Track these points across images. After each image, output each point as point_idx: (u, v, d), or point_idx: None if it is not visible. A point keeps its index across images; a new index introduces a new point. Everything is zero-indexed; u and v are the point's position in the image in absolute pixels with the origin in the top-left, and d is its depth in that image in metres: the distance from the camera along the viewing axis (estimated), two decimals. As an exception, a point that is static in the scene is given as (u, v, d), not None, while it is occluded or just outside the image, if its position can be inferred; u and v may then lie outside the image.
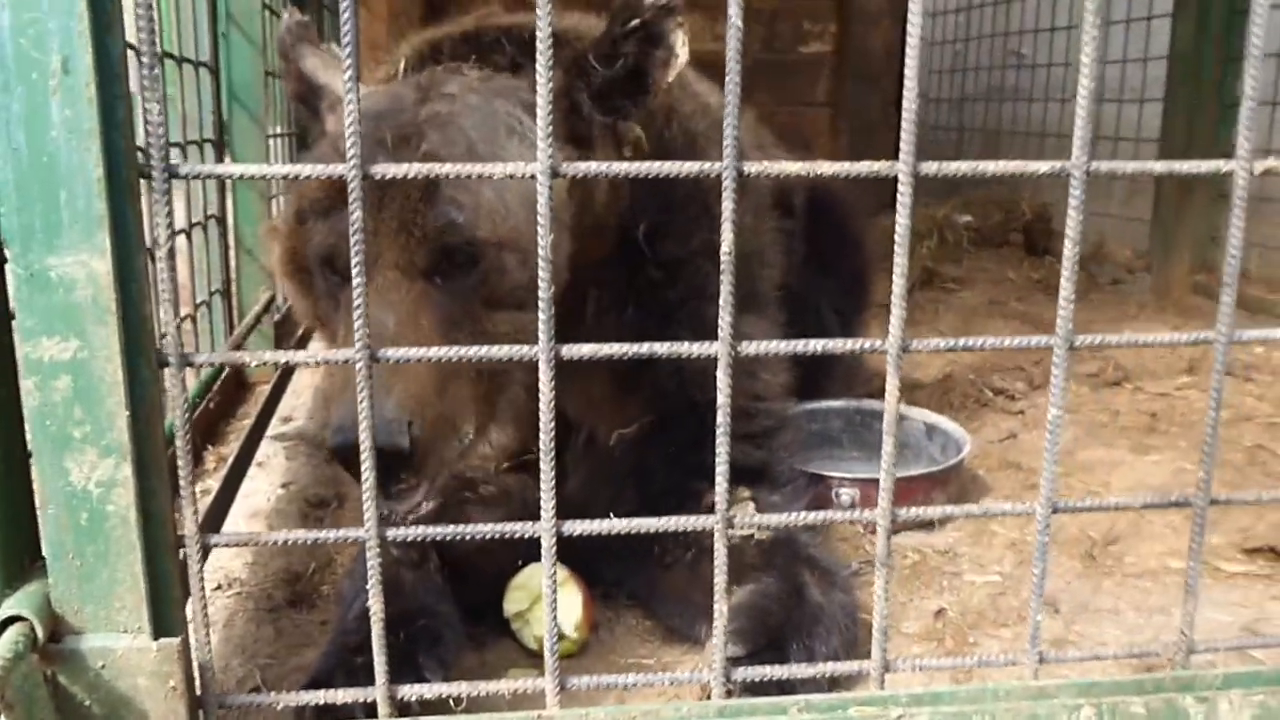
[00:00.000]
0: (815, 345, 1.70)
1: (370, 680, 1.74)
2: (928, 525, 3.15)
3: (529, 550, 2.52)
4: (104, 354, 1.54)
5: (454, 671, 2.31)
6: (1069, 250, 1.66)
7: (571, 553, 2.11)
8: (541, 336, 1.60)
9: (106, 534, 1.59)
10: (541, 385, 1.61)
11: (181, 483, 1.61)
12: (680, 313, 2.67)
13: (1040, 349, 1.68)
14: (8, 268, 1.52)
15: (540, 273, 1.57)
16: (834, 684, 2.23)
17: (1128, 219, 7.62)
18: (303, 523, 3.36)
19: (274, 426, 4.21)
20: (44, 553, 1.61)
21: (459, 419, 2.24)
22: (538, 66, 1.51)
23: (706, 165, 1.60)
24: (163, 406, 1.62)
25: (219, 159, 4.19)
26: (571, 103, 2.36)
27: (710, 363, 2.15)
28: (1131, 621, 2.64)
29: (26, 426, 1.58)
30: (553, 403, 1.61)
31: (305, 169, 1.58)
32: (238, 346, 3.98)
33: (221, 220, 4.21)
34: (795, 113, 9.21)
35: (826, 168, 1.63)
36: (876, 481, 3.08)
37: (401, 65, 2.66)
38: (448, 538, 1.68)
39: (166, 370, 1.58)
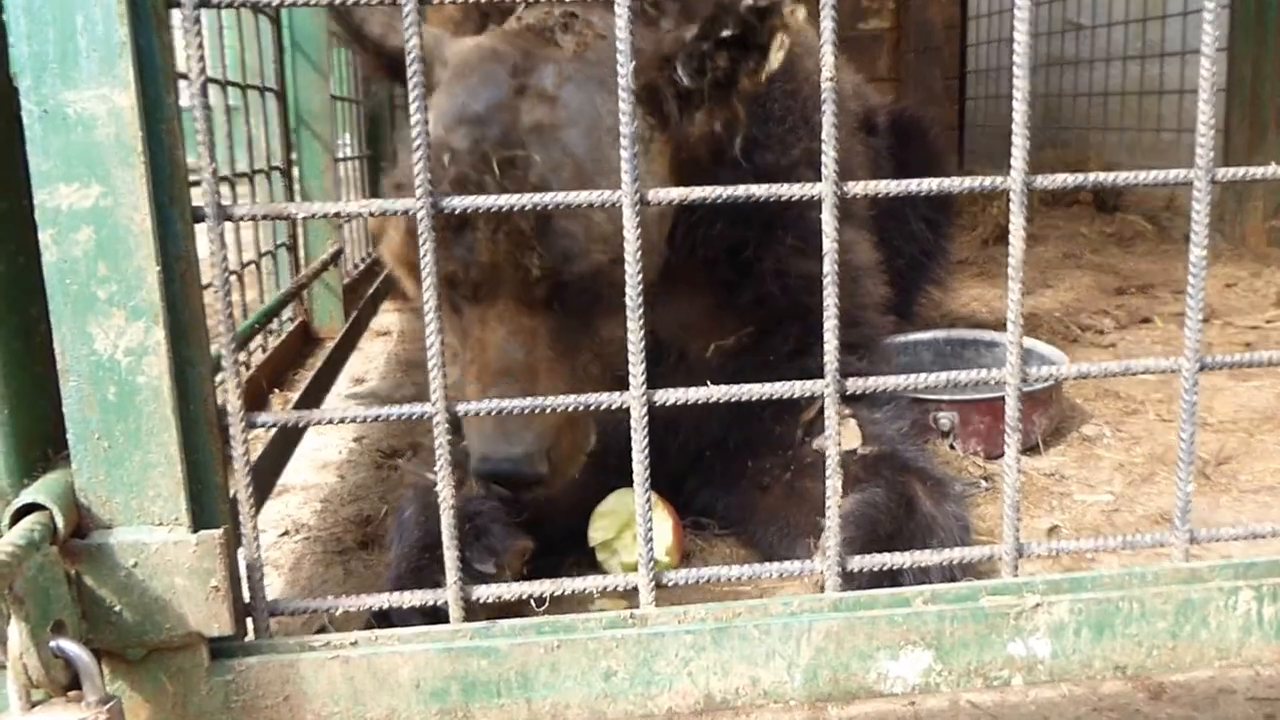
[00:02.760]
0: (930, 185, 1.50)
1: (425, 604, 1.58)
2: (1031, 448, 3.00)
3: (608, 476, 2.38)
4: (130, 201, 1.34)
5: (506, 557, 2.20)
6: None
7: (661, 476, 2.02)
8: (625, 179, 1.41)
9: (138, 409, 1.39)
10: (626, 226, 1.42)
11: (224, 350, 1.43)
12: (782, 220, 2.55)
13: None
14: (21, 105, 1.34)
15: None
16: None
17: (1195, 140, 7.46)
18: (375, 472, 3.27)
19: (347, 387, 4.24)
20: (68, 435, 1.42)
21: (588, 432, 2.32)
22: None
23: None
24: (199, 265, 1.43)
25: (288, 187, 4.05)
26: (659, 96, 2.23)
27: (815, 268, 2.02)
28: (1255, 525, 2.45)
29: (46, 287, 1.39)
30: (638, 237, 1.42)
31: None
32: (300, 290, 3.84)
33: (286, 172, 4.05)
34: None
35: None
36: (974, 403, 2.99)
37: None
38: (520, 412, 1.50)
39: (203, 225, 1.40)
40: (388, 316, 5.42)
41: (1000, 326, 4.38)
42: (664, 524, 2.36)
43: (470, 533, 2.19)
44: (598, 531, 2.41)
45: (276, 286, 3.86)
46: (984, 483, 2.79)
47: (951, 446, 2.99)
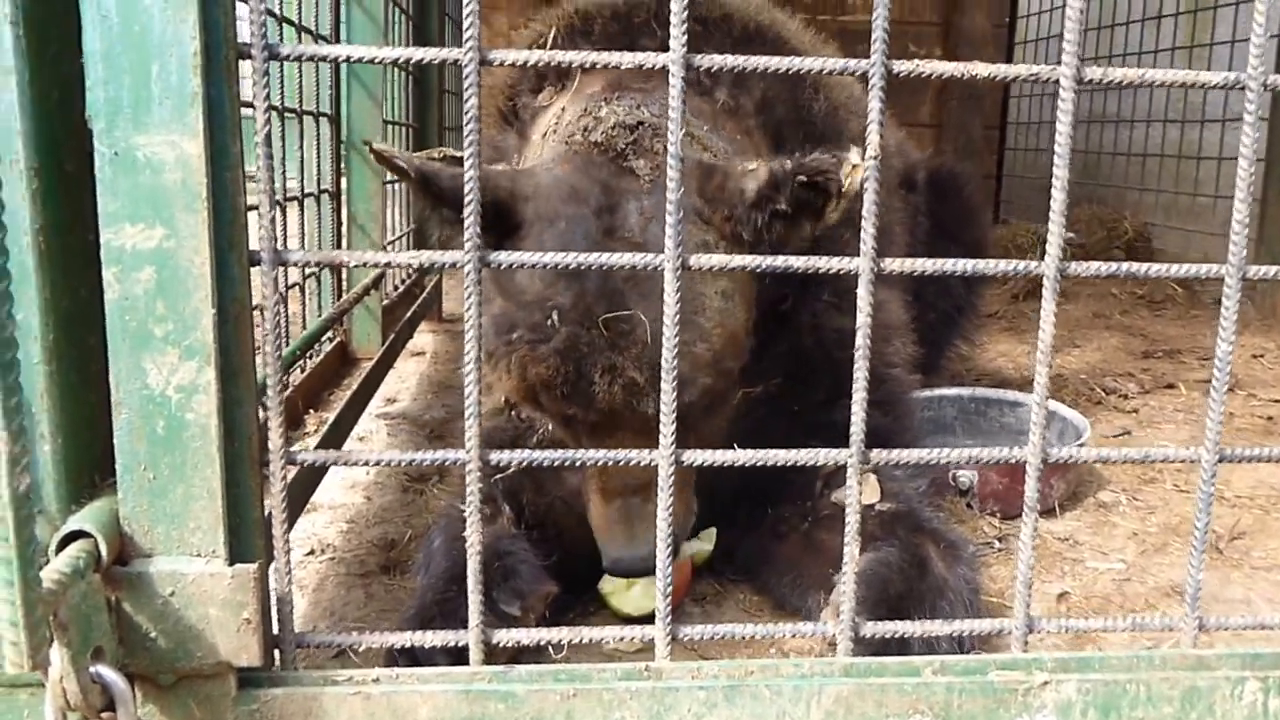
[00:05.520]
0: (964, 265, 1.54)
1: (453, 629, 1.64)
2: (1047, 511, 3.02)
3: None
4: (192, 244, 1.40)
5: (531, 600, 2.22)
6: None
7: None
8: (670, 242, 1.46)
9: (184, 445, 1.44)
10: (666, 292, 1.47)
11: (269, 391, 1.48)
12: (819, 276, 2.54)
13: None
14: (95, 147, 1.39)
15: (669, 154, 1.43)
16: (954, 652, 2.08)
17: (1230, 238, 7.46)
18: (401, 495, 3.30)
19: (379, 406, 4.23)
20: (115, 464, 1.47)
21: (690, 499, 2.43)
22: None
23: (854, 62, 1.50)
24: (251, 308, 1.49)
25: (336, 210, 4.10)
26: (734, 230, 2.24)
27: (848, 324, 2.08)
28: (1265, 615, 2.45)
29: (106, 322, 1.45)
30: (677, 314, 1.47)
31: (418, 53, 1.45)
32: (341, 315, 3.89)
33: (336, 195, 4.11)
34: (900, 132, 9.22)
35: (982, 69, 1.50)
36: (996, 465, 3.01)
37: (551, 35, 2.64)
38: (552, 463, 1.56)
39: (258, 269, 1.46)
40: (423, 337, 5.47)
41: (1026, 385, 4.42)
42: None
43: (498, 572, 2.23)
44: (606, 583, 2.47)
45: (319, 306, 3.91)
46: (997, 543, 2.82)
47: (969, 505, 3.02)
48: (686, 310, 2.14)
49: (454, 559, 2.29)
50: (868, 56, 1.48)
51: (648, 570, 2.20)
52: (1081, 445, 3.12)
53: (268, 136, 1.42)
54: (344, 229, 4.38)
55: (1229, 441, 3.71)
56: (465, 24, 1.41)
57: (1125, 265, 1.56)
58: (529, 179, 2.25)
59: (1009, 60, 10.74)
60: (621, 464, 2.19)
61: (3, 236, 1.19)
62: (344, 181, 4.33)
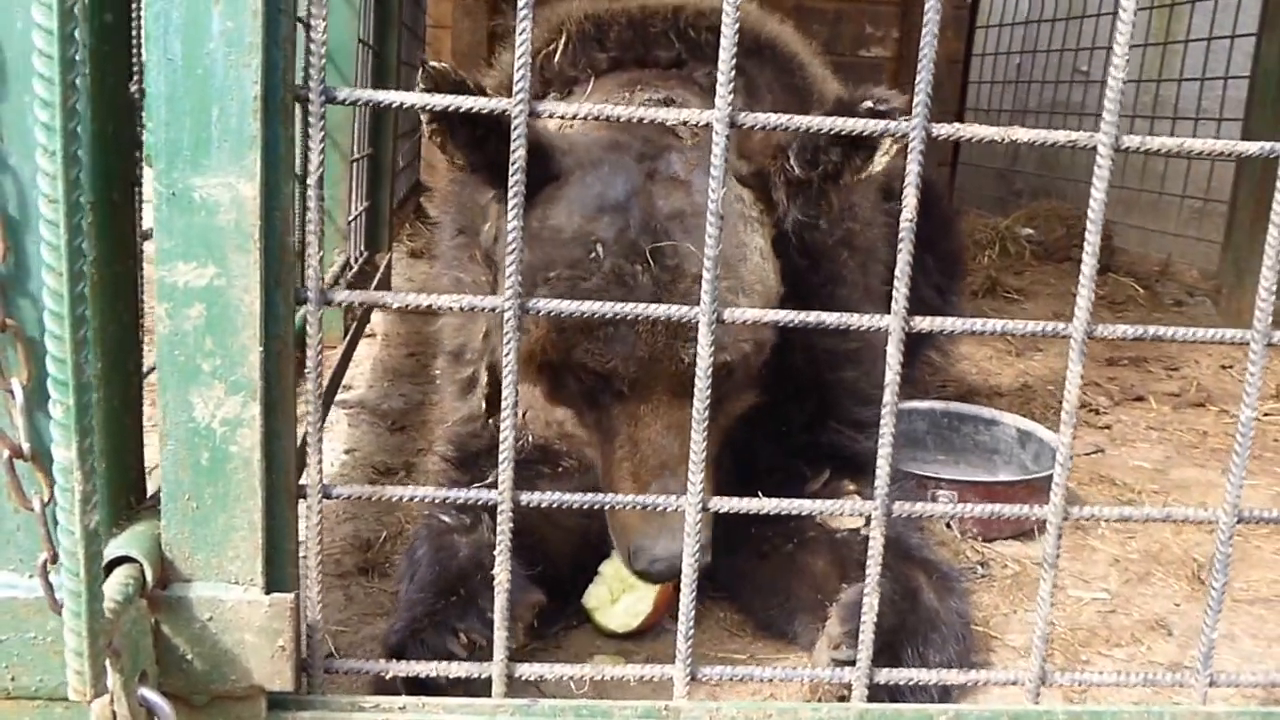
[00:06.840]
0: (994, 325, 1.59)
1: (439, 647, 1.81)
2: (1026, 534, 3.04)
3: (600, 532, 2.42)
4: (242, 284, 1.43)
5: (519, 609, 2.15)
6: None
7: None
8: (706, 296, 1.50)
9: (227, 476, 1.48)
10: (701, 341, 1.50)
11: (311, 427, 1.51)
12: (819, 296, 2.59)
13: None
14: (151, 185, 1.42)
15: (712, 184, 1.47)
16: (945, 694, 2.11)
17: (1195, 239, 7.51)
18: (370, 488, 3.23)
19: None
20: (159, 492, 1.50)
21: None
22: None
23: (893, 124, 1.58)
24: (293, 345, 1.52)
25: (302, 194, 4.07)
26: (769, 183, 2.29)
27: (839, 345, 2.10)
28: (1249, 649, 2.52)
29: (153, 355, 1.47)
30: (710, 364, 1.51)
31: (469, 101, 1.48)
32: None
33: (302, 180, 4.09)
34: (854, 116, 9.19)
35: (1023, 134, 1.55)
36: (974, 485, 3.06)
37: (562, 42, 2.64)
38: (576, 506, 1.60)
39: (304, 307, 1.50)
40: (374, 317, 5.37)
41: (992, 394, 4.47)
42: (649, 592, 2.42)
43: (484, 582, 2.18)
44: (591, 598, 2.48)
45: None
46: (980, 568, 2.83)
47: (948, 526, 3.03)
48: (730, 257, 2.19)
49: (440, 570, 2.28)
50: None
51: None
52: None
53: (320, 180, 1.46)
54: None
55: (1203, 461, 3.79)
56: (516, 77, 1.44)
57: (1153, 329, 1.60)
58: (564, 137, 2.29)
59: (969, 42, 10.72)
60: (657, 439, 2.20)
61: (85, 285, 1.22)
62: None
